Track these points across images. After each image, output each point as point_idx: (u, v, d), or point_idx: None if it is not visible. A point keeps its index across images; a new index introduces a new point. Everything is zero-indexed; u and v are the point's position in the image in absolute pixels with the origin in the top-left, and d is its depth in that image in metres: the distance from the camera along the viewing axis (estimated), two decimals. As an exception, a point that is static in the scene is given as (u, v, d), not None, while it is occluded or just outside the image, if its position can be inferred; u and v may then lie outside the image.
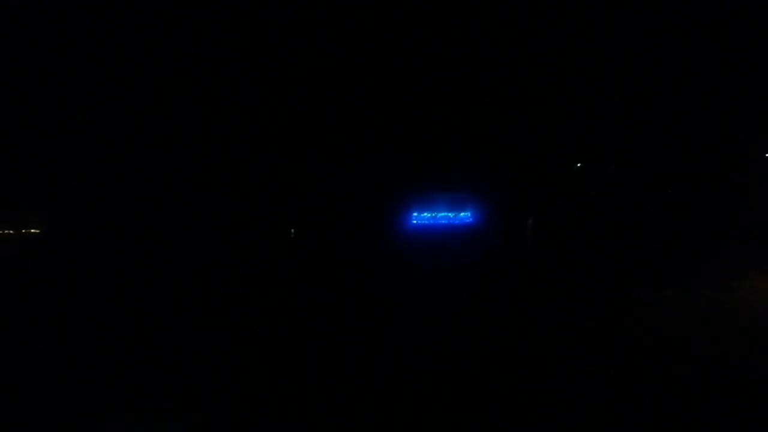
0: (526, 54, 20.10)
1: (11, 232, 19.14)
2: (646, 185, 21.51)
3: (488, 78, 20.29)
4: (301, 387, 9.45)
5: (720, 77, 19.59)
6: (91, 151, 17.92)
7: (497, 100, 20.89)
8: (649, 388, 9.19)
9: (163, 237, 18.32)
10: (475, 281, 17.40)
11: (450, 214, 21.85)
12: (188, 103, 18.30)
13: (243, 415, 8.54)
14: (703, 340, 11.83)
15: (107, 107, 17.60)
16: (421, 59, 20.11)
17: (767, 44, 18.51)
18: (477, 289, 16.71)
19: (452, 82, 20.36)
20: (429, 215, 21.78)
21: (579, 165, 22.88)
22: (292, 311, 15.10)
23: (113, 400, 8.92)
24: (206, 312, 14.11)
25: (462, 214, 21.83)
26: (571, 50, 19.77)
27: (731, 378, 9.54)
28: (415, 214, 21.82)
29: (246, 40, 17.89)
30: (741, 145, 21.45)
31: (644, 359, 10.61)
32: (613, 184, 21.85)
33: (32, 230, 19.52)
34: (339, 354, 11.40)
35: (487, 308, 15.11)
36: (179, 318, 13.67)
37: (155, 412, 8.55)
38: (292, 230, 21.68)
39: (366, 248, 20.43)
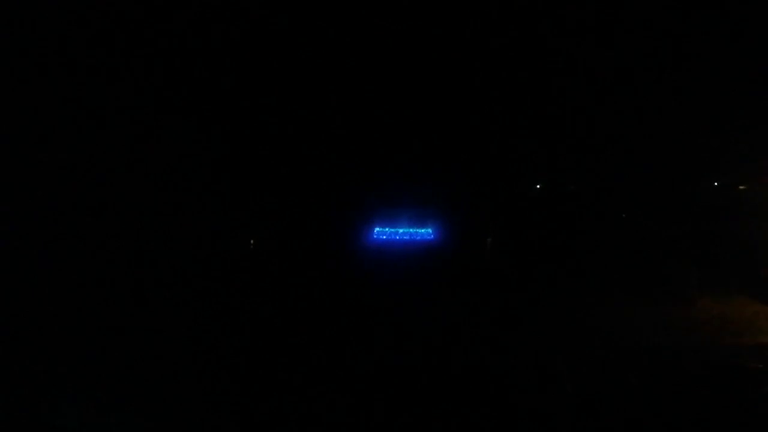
0: (489, 76, 20.64)
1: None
2: (602, 208, 22.19)
3: (451, 98, 20.72)
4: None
5: (673, 105, 20.44)
6: (59, 159, 17.67)
7: (460, 120, 21.31)
8: (606, 402, 9.72)
9: (130, 242, 18.12)
10: (435, 296, 17.58)
11: (411, 230, 21.92)
12: (151, 116, 18.26)
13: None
14: (655, 355, 12.42)
15: (75, 117, 17.45)
16: (387, 79, 20.45)
17: (720, 72, 19.45)
18: (436, 304, 16.88)
19: (415, 101, 20.70)
20: (390, 230, 21.81)
21: (538, 186, 23.50)
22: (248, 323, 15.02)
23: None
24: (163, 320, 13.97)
25: (423, 230, 21.94)
26: (531, 73, 20.39)
27: (681, 391, 10.04)
28: (377, 229, 21.82)
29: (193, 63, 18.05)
30: (692, 173, 22.41)
31: (599, 376, 11.14)
32: (570, 205, 22.47)
33: None
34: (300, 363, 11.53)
35: (446, 322, 15.27)
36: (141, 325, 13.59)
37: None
38: (252, 241, 21.45)
39: (327, 262, 20.34)
